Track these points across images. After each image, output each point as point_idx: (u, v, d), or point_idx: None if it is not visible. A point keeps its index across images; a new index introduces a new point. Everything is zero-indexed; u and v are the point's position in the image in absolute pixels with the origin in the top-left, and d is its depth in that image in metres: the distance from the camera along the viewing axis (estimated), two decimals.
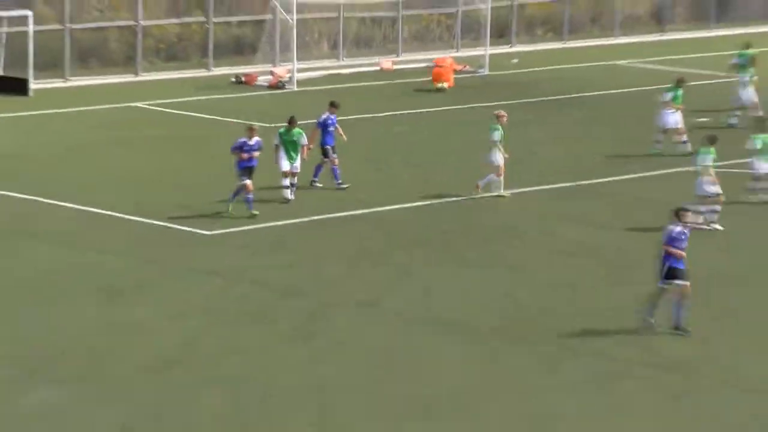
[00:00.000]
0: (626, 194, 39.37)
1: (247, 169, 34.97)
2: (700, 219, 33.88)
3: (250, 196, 34.77)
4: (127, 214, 35.29)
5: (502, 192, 37.96)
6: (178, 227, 34.44)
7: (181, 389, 23.99)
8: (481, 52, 59.17)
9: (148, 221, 34.78)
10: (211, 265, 31.55)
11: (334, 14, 59.60)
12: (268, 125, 45.13)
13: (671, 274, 26.69)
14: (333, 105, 39.80)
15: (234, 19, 58.44)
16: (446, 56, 57.54)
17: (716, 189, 34.96)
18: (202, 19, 57.49)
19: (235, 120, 47.34)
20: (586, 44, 67.02)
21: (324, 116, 38.83)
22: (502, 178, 37.78)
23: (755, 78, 48.45)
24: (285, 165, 36.59)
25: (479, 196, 37.80)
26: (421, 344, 27.08)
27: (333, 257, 32.69)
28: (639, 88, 55.17)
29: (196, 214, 35.38)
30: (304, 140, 36.85)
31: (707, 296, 28.91)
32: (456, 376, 25.33)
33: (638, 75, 58.88)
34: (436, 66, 56.05)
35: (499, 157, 37.61)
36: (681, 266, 26.66)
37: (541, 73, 58.90)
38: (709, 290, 29.18)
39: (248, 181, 34.89)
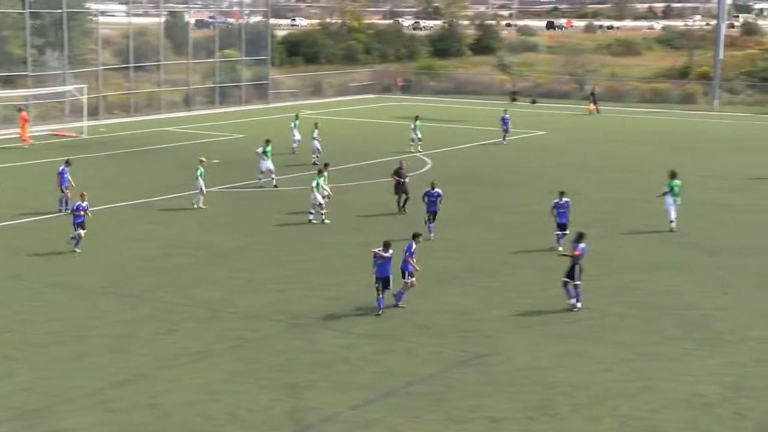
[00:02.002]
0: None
1: (80, 223, 30.96)
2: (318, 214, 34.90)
3: (80, 240, 30.59)
4: None
5: (201, 206, 37.14)
6: None
7: (16, 312, 24.69)
8: (81, 124, 58.15)
9: None
10: None
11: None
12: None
13: (408, 273, 25.41)
14: (68, 162, 37.22)
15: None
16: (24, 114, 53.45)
17: (321, 199, 34.81)
18: None
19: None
20: (145, 119, 65.08)
21: (61, 168, 36.52)
22: (202, 196, 37.05)
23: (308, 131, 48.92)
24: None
25: (196, 208, 36.96)
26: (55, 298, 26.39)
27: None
28: (180, 143, 54.65)
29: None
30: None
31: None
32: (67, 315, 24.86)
33: (178, 136, 57.37)
34: (23, 122, 52.71)
35: (201, 183, 36.94)
36: (411, 269, 25.43)
37: (118, 136, 57.41)
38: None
39: (82, 231, 30.82)
